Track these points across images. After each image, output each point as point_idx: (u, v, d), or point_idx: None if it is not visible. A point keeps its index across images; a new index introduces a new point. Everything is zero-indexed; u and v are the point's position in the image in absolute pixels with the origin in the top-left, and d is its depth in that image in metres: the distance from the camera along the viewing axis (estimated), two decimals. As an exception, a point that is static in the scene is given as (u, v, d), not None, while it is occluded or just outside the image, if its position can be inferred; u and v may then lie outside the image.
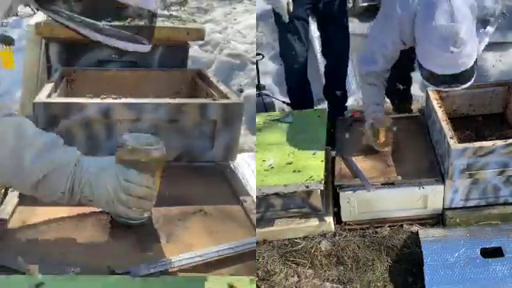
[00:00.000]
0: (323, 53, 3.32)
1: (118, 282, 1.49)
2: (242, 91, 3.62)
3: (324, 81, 3.41)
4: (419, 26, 2.41)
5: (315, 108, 3.42)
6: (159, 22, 2.85)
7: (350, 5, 4.20)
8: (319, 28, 3.26)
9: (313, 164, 2.53)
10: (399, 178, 2.53)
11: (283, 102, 3.56)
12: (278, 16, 3.01)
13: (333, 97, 3.37)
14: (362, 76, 2.81)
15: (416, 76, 3.71)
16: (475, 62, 2.36)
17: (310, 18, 3.19)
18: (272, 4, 3.00)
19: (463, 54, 2.29)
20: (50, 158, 1.65)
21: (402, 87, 3.30)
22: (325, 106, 3.58)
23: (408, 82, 3.35)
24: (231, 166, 2.29)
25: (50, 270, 1.50)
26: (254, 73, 3.70)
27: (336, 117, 3.15)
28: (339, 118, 3.16)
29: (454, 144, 2.39)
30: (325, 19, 3.14)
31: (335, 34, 3.16)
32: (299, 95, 3.31)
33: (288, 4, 2.85)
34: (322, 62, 3.75)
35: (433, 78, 2.39)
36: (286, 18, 2.90)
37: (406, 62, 2.93)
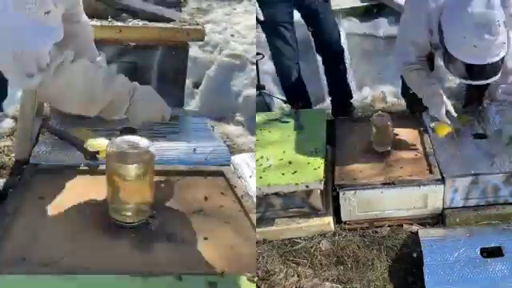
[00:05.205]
0: (317, 51, 3.34)
1: (118, 282, 1.49)
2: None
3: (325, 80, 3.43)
4: (452, 13, 2.37)
5: (315, 108, 3.42)
6: (159, 23, 2.85)
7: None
8: (308, 27, 3.28)
9: (313, 164, 2.53)
10: (399, 177, 2.53)
11: (284, 102, 3.56)
12: (263, 23, 3.05)
13: (334, 95, 3.38)
14: (402, 69, 2.77)
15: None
16: (502, 58, 2.33)
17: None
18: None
19: (496, 43, 2.28)
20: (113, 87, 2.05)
21: None
22: (325, 105, 3.59)
23: None
24: (231, 166, 2.30)
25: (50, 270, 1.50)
26: (254, 73, 3.70)
27: (339, 115, 3.15)
28: (339, 117, 3.16)
29: None
30: (312, 18, 3.17)
31: (324, 31, 3.19)
32: (296, 96, 3.33)
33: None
34: (320, 61, 3.76)
35: (460, 70, 2.37)
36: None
37: None
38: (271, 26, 3.13)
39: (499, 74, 2.40)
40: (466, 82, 2.51)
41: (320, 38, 3.28)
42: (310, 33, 3.35)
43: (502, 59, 2.35)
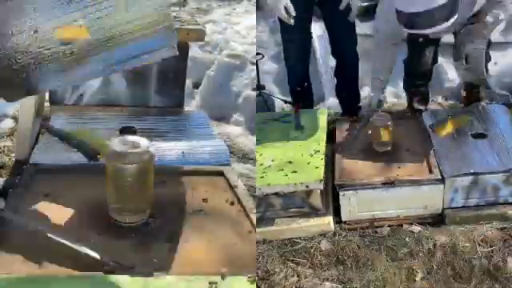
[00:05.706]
0: (332, 52, 3.31)
1: (118, 282, 1.49)
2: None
3: (335, 81, 3.40)
4: None
5: (315, 108, 3.42)
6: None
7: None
8: (326, 27, 3.25)
9: (313, 163, 2.53)
10: (399, 177, 2.53)
11: (285, 102, 3.56)
12: (281, 20, 3.02)
13: (344, 97, 3.36)
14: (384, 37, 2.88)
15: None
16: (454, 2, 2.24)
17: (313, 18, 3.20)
18: (272, 9, 2.90)
19: None
20: None
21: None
22: (325, 105, 3.59)
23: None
24: (231, 166, 2.30)
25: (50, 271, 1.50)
26: (254, 73, 3.70)
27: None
28: (339, 117, 3.16)
29: None
30: (330, 17, 3.14)
31: (341, 32, 3.16)
32: (301, 96, 3.31)
33: (286, 8, 2.79)
34: (321, 61, 3.76)
35: (402, 19, 2.34)
36: (288, 21, 2.84)
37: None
38: (289, 25, 3.07)
39: (447, 23, 2.29)
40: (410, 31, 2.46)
41: (335, 42, 3.24)
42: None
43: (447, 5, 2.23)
